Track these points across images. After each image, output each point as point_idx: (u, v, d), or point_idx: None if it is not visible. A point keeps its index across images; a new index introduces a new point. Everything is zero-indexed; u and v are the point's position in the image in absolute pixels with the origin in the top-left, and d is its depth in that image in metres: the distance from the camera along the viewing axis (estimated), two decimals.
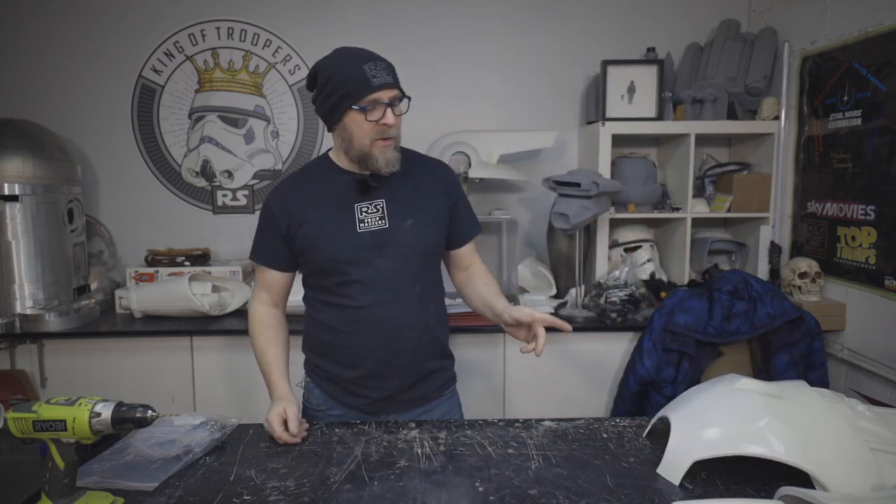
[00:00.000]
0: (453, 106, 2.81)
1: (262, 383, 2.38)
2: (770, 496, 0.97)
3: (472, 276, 1.52)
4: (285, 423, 1.28)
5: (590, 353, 2.35)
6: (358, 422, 1.37)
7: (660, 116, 2.61)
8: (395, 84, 1.32)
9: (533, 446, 1.24)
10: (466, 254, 1.53)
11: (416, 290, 1.41)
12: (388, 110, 1.31)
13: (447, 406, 1.52)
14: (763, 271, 2.61)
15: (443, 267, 1.54)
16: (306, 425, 1.33)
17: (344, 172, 1.41)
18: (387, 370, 1.41)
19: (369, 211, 1.37)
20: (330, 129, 1.40)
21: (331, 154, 1.45)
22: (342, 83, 1.29)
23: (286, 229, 1.39)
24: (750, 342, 2.19)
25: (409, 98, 1.36)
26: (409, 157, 1.45)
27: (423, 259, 1.42)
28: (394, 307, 1.38)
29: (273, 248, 1.43)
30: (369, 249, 1.36)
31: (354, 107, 1.29)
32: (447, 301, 1.56)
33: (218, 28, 2.81)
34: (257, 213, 2.89)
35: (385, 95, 1.30)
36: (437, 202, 1.44)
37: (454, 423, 1.36)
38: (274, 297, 1.50)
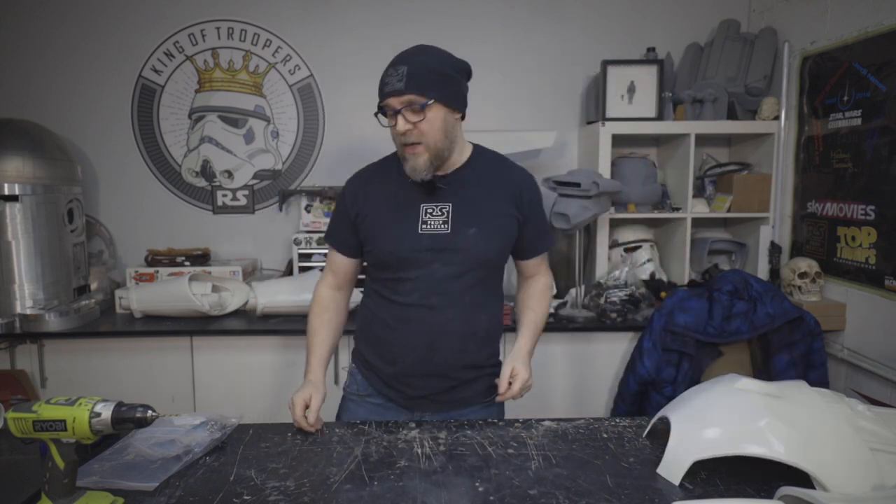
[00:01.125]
0: None
1: (262, 383, 2.39)
2: (770, 496, 0.97)
3: (527, 289, 1.55)
4: (307, 408, 1.31)
5: (590, 353, 2.35)
6: (358, 422, 1.37)
7: (660, 116, 2.61)
8: (405, 90, 1.26)
9: (533, 446, 1.24)
10: (532, 265, 1.53)
11: (467, 299, 1.39)
12: (398, 118, 1.28)
13: (487, 413, 1.49)
14: (763, 271, 2.61)
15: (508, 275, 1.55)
16: (322, 421, 1.34)
17: None
18: (423, 370, 1.41)
19: (434, 213, 1.36)
20: None
21: None
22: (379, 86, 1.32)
23: (354, 218, 1.42)
24: (750, 342, 2.19)
25: (427, 101, 1.27)
26: (488, 160, 1.44)
27: (480, 269, 1.39)
28: (440, 311, 1.37)
29: (343, 233, 1.46)
30: (427, 252, 1.35)
31: (376, 113, 1.32)
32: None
33: (218, 28, 2.81)
34: (257, 212, 2.91)
35: (395, 102, 1.27)
36: (506, 213, 1.40)
37: (454, 422, 1.35)
38: (339, 280, 1.51)
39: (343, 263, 1.49)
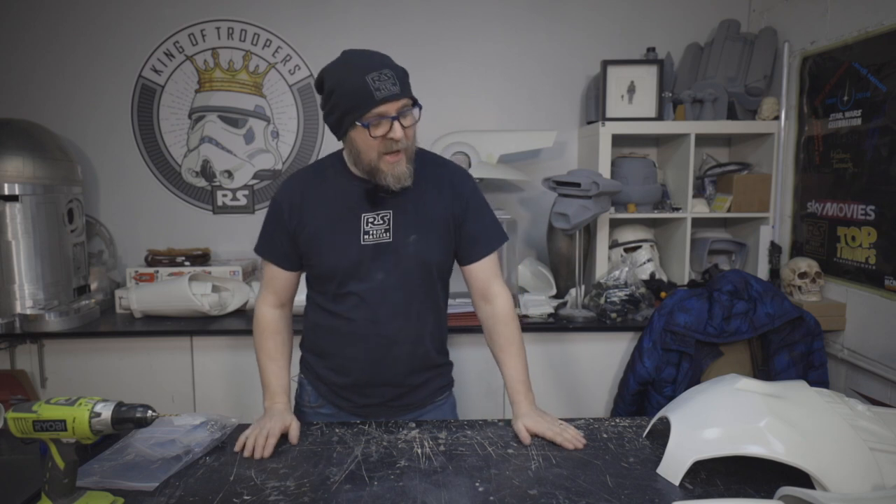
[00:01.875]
0: (453, 106, 2.81)
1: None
2: (770, 496, 0.97)
3: (493, 327, 1.40)
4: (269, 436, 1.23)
5: (590, 353, 2.35)
6: (358, 422, 1.37)
7: (660, 116, 2.61)
8: (402, 94, 1.22)
9: (533, 446, 1.24)
10: (480, 277, 1.40)
11: (414, 307, 1.36)
12: (395, 123, 1.22)
13: (440, 411, 1.49)
14: (763, 271, 2.61)
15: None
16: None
17: (354, 179, 1.34)
18: (375, 381, 1.39)
19: (375, 222, 1.31)
20: (338, 139, 1.33)
21: (344, 154, 1.38)
22: (345, 96, 1.21)
23: (292, 229, 1.35)
24: (750, 342, 2.19)
25: (419, 106, 1.26)
26: (422, 161, 1.36)
27: (424, 276, 1.35)
28: (387, 324, 1.34)
29: (279, 246, 1.38)
30: (371, 262, 1.32)
31: (358, 123, 1.22)
32: (450, 301, 1.52)
33: (218, 28, 2.81)
34: (257, 213, 2.91)
35: (391, 108, 1.21)
36: (445, 215, 1.35)
37: (454, 422, 1.35)
38: (280, 298, 1.44)
39: (283, 278, 1.41)
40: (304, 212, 1.34)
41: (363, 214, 1.32)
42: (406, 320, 1.36)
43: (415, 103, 1.26)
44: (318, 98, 1.30)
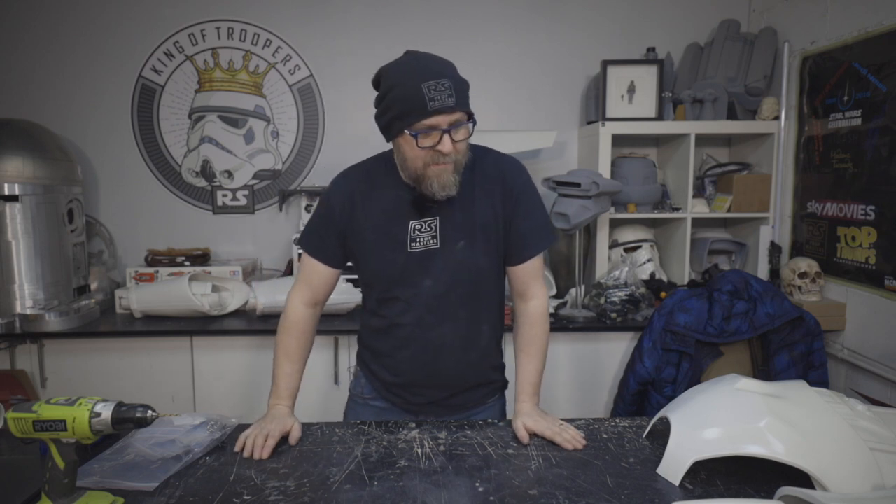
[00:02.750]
0: None
1: (262, 384, 2.38)
2: (770, 496, 0.97)
3: (522, 325, 1.39)
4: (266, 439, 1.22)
5: (590, 353, 2.35)
6: (358, 422, 1.37)
7: (660, 116, 2.61)
8: (456, 106, 1.17)
9: (533, 446, 1.24)
10: (521, 274, 1.37)
11: (463, 313, 1.33)
12: (445, 137, 1.17)
13: (491, 412, 1.48)
14: (763, 271, 2.61)
15: None
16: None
17: (403, 185, 1.31)
18: (427, 383, 1.39)
19: (423, 230, 1.29)
20: (387, 141, 1.29)
21: (395, 157, 1.32)
22: (399, 100, 1.17)
23: (343, 229, 1.33)
24: (750, 342, 2.19)
25: (474, 122, 1.21)
26: (472, 161, 1.30)
27: (474, 282, 1.33)
28: (437, 329, 1.33)
29: (326, 241, 1.36)
30: (418, 269, 1.30)
31: (406, 131, 1.18)
32: None
33: (218, 28, 2.81)
34: (257, 212, 2.91)
35: (443, 120, 1.16)
36: (496, 220, 1.32)
37: (454, 423, 1.35)
38: (316, 295, 1.40)
39: (323, 275, 1.38)
40: (355, 214, 1.32)
41: (411, 222, 1.30)
42: (455, 326, 1.34)
43: (470, 117, 1.22)
44: (375, 96, 1.26)
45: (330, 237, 1.35)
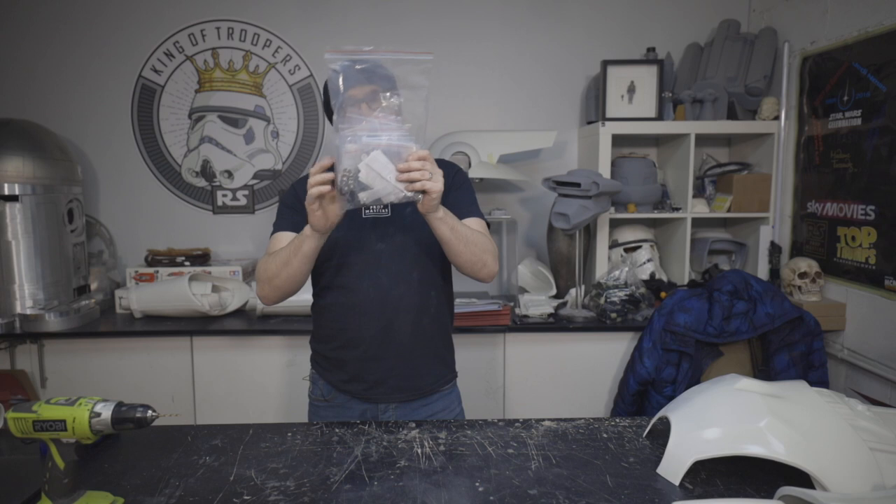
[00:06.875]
0: (453, 106, 2.81)
1: (262, 383, 2.39)
2: (770, 496, 0.97)
3: None
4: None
5: (590, 353, 2.35)
6: (358, 422, 1.37)
7: (660, 116, 2.61)
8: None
9: (533, 446, 1.24)
10: None
11: (415, 276, 1.45)
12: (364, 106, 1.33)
13: (446, 401, 1.54)
14: (763, 271, 2.61)
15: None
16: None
17: None
18: (386, 352, 1.45)
19: None
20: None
21: None
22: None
23: (303, 209, 1.39)
24: (750, 342, 2.19)
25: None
26: None
27: (422, 246, 1.45)
28: (392, 290, 1.43)
29: (294, 219, 1.47)
30: (371, 233, 1.43)
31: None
32: (459, 300, 1.54)
33: (218, 28, 2.81)
34: (258, 213, 2.91)
35: (360, 92, 1.31)
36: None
37: (454, 422, 1.35)
38: None
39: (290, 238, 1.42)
40: None
41: None
42: (408, 287, 1.44)
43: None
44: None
45: (298, 215, 1.46)
